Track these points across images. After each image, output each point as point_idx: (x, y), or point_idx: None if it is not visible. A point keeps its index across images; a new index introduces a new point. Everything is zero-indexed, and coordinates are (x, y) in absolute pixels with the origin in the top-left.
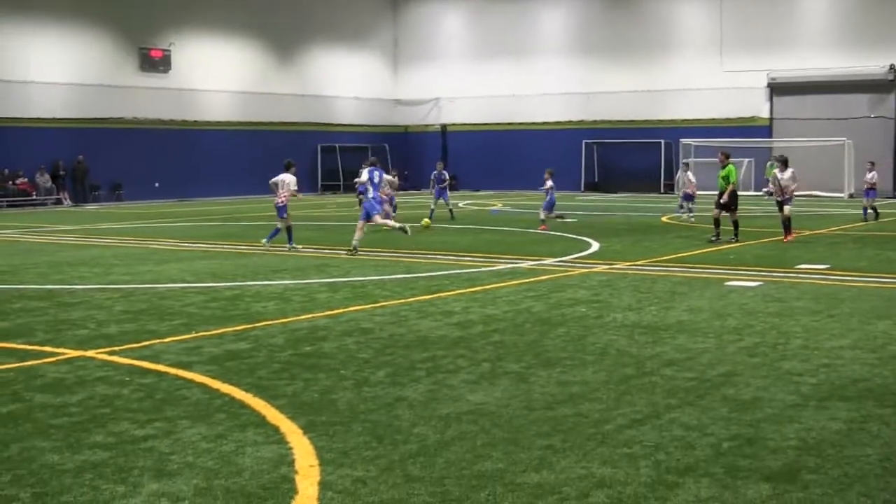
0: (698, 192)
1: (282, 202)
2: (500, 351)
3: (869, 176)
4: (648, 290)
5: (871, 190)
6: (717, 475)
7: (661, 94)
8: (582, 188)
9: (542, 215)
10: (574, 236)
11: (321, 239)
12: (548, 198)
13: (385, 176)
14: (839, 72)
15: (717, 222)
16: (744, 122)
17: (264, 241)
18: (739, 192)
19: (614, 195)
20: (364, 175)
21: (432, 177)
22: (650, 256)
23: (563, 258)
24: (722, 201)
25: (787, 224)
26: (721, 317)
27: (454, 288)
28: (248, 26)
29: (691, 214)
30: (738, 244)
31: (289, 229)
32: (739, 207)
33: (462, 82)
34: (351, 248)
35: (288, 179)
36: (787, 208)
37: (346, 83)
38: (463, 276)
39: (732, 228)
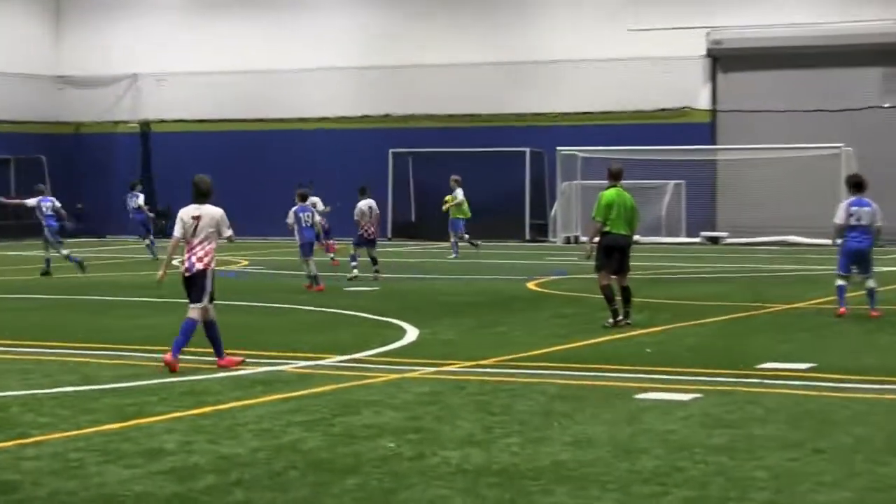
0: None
1: None
2: None
3: None
4: (504, 411)
5: None
6: None
7: (523, 70)
8: (389, 233)
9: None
10: (374, 317)
11: None
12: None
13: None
14: (830, 31)
15: (605, 293)
16: (667, 117)
17: None
18: (649, 239)
19: (444, 244)
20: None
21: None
22: (507, 352)
23: (356, 355)
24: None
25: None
26: (630, 454)
27: (164, 409)
28: None
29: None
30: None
31: None
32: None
33: (177, 48)
34: None
35: None
36: None
37: None
38: (179, 388)
39: (610, 302)
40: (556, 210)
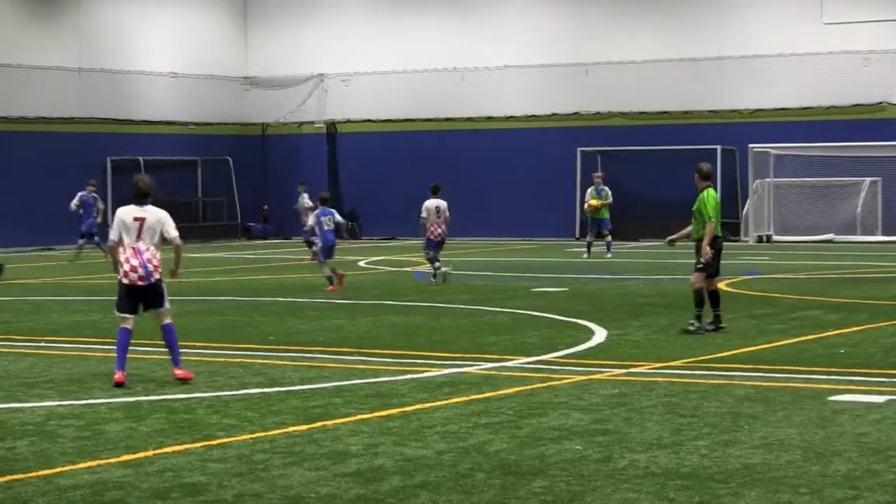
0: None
1: None
2: None
3: None
4: (693, 412)
5: None
6: None
7: (715, 66)
8: (577, 232)
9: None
10: (562, 318)
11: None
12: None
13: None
14: None
15: (699, 296)
16: (863, 112)
17: None
18: (844, 238)
19: (634, 243)
20: None
21: (313, 214)
22: (696, 353)
23: (543, 356)
24: (702, 260)
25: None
26: (822, 457)
27: (349, 411)
28: None
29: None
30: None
31: None
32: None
33: (363, 48)
34: None
35: None
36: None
37: (156, 50)
38: (363, 391)
39: (699, 306)
40: (748, 209)
